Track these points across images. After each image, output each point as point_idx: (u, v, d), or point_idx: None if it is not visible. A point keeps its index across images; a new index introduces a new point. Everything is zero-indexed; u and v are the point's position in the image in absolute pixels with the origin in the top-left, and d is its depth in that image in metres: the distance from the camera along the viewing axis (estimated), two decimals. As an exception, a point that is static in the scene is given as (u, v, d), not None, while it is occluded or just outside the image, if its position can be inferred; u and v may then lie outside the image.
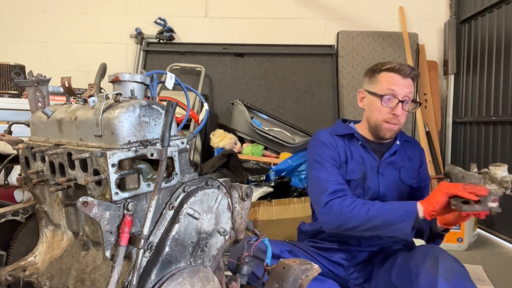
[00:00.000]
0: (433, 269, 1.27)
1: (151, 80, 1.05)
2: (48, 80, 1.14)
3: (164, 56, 3.80)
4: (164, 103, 0.89)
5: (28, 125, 1.13)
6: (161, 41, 3.84)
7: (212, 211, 0.93)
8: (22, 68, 2.37)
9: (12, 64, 2.34)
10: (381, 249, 1.59)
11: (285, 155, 3.10)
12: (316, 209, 1.50)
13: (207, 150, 3.42)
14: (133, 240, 0.81)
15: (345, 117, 3.72)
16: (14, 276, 1.02)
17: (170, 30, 3.84)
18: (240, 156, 3.06)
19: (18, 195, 2.42)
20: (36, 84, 1.12)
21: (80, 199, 0.76)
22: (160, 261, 0.85)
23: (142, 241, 0.79)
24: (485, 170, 1.28)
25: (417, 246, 1.44)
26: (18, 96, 2.36)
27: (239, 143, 3.23)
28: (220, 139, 3.16)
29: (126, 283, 0.80)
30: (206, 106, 1.22)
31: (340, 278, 1.58)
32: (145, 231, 0.79)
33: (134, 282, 0.77)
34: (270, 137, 3.13)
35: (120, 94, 0.88)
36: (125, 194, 0.81)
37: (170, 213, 0.88)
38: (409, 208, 1.33)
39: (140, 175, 0.83)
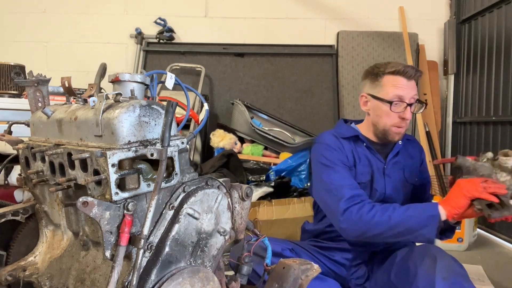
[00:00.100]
0: (431, 269, 1.27)
1: (151, 80, 1.05)
2: (48, 80, 1.14)
3: (164, 56, 3.80)
4: (164, 103, 0.89)
5: (28, 125, 1.13)
6: (161, 41, 3.84)
7: (212, 211, 0.93)
8: (22, 68, 2.37)
9: (12, 64, 2.34)
10: (382, 249, 1.59)
11: (285, 155, 3.10)
12: (332, 216, 1.46)
13: (207, 150, 3.42)
14: (133, 240, 0.81)
15: (345, 117, 3.72)
16: (14, 276, 1.02)
17: (170, 30, 3.84)
18: (240, 156, 3.05)
19: (18, 195, 2.42)
20: (36, 84, 1.12)
21: (80, 199, 0.76)
22: (160, 261, 0.85)
23: (142, 241, 0.79)
24: (496, 157, 1.29)
25: (416, 246, 1.44)
26: (18, 96, 2.36)
27: (239, 143, 3.23)
28: (220, 139, 3.16)
29: (126, 283, 0.80)
30: (206, 106, 1.22)
31: (341, 278, 1.58)
32: (145, 231, 0.79)
33: (134, 282, 0.77)
34: (270, 137, 3.13)
35: (120, 94, 0.88)
36: (125, 194, 0.81)
37: (170, 213, 0.88)
38: (432, 213, 1.32)
39: (140, 175, 0.83)
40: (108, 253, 0.81)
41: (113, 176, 0.79)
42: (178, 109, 2.59)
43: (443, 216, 1.31)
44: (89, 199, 0.77)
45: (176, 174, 0.89)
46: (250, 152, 3.18)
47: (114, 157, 0.79)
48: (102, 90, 1.10)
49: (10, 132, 1.19)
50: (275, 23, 3.92)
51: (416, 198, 1.68)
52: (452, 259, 1.32)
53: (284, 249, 1.50)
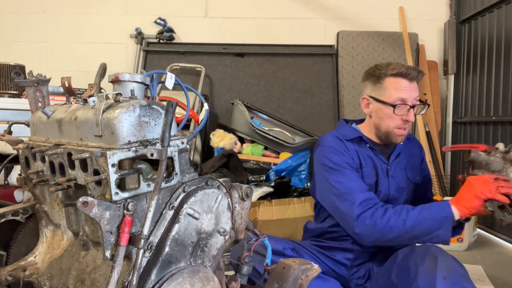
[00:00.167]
0: (432, 269, 1.27)
1: (151, 80, 1.05)
2: (48, 80, 1.14)
3: (164, 56, 3.80)
4: (164, 103, 0.89)
5: (28, 125, 1.13)
6: (161, 41, 3.84)
7: (212, 211, 0.93)
8: (22, 68, 2.37)
9: (12, 64, 2.34)
10: (382, 249, 1.59)
11: (285, 155, 3.10)
12: (345, 221, 1.46)
13: (207, 150, 3.42)
14: (133, 240, 0.80)
15: (345, 117, 3.72)
16: (14, 276, 1.02)
17: (170, 30, 3.84)
18: (240, 156, 3.06)
19: (18, 195, 2.42)
20: (36, 84, 1.12)
21: (80, 199, 0.76)
22: (160, 261, 0.85)
23: (142, 241, 0.79)
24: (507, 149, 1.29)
25: (417, 246, 1.44)
26: (18, 96, 2.36)
27: (239, 143, 3.23)
28: (220, 139, 3.16)
29: (126, 283, 0.80)
30: (206, 106, 1.22)
31: (342, 278, 1.58)
32: (145, 231, 0.79)
33: (134, 282, 0.77)
34: (270, 137, 3.13)
35: (120, 94, 0.88)
36: (125, 194, 0.81)
37: (170, 213, 0.88)
38: (446, 214, 1.33)
39: (140, 175, 0.83)
40: (108, 253, 0.81)
41: (113, 176, 0.79)
42: (178, 109, 2.59)
43: (456, 216, 1.33)
44: (89, 199, 0.77)
45: (176, 174, 0.89)
46: (250, 152, 3.18)
47: (114, 157, 0.79)
48: (102, 90, 1.10)
49: (10, 132, 1.19)
50: (275, 23, 3.92)
51: (418, 196, 1.69)
52: (453, 259, 1.32)
53: (285, 248, 1.50)
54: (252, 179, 2.85)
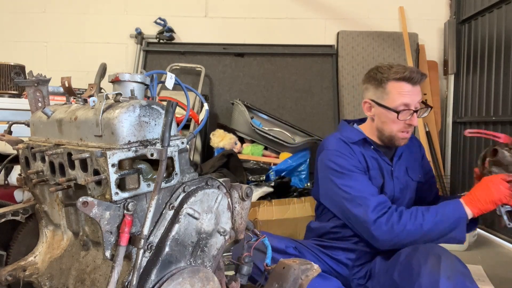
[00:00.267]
0: (436, 268, 1.27)
1: (151, 80, 1.05)
2: (48, 80, 1.14)
3: (164, 56, 3.80)
4: (164, 103, 0.89)
5: (28, 125, 1.13)
6: (161, 41, 3.84)
7: (212, 211, 0.93)
8: (22, 68, 2.37)
9: (12, 64, 2.34)
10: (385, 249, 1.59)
11: (285, 155, 3.10)
12: (361, 226, 1.46)
13: (207, 150, 3.42)
14: (133, 240, 0.80)
15: (345, 117, 3.72)
16: (14, 276, 1.02)
17: (170, 30, 3.84)
18: (240, 156, 3.06)
19: (18, 195, 2.42)
20: (36, 84, 1.12)
21: (80, 199, 0.76)
22: (160, 261, 0.85)
23: (142, 241, 0.79)
24: None
25: (420, 245, 1.44)
26: (18, 96, 2.36)
27: (239, 143, 3.23)
28: (220, 139, 3.16)
29: (126, 283, 0.80)
30: (206, 106, 1.22)
31: (343, 277, 1.58)
32: (145, 231, 0.79)
33: (134, 282, 0.77)
34: (270, 137, 3.13)
35: (120, 94, 0.88)
36: (125, 194, 0.81)
37: (170, 213, 0.88)
38: (460, 215, 1.35)
39: (140, 175, 0.83)
40: (108, 253, 0.80)
41: (113, 176, 0.79)
42: (178, 109, 2.59)
43: (470, 216, 1.35)
44: (89, 199, 0.77)
45: (176, 174, 0.89)
46: (250, 152, 3.18)
47: (114, 157, 0.79)
48: (102, 90, 1.10)
49: (10, 132, 1.19)
50: (275, 23, 3.92)
51: (424, 193, 1.71)
52: (456, 259, 1.32)
53: (288, 246, 1.50)
54: (252, 179, 2.85)
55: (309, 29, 3.90)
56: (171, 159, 0.88)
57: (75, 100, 1.04)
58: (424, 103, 1.55)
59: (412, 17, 3.86)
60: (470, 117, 3.50)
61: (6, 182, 2.47)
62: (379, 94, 1.53)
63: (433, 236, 1.38)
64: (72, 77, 1.13)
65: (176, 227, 0.87)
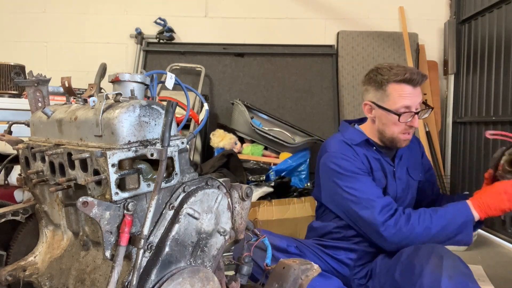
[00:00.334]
0: (437, 268, 1.27)
1: (151, 80, 1.05)
2: (48, 80, 1.14)
3: (164, 56, 3.80)
4: (164, 103, 0.89)
5: (28, 125, 1.13)
6: (161, 41, 3.84)
7: (212, 211, 0.93)
8: (22, 68, 2.37)
9: (12, 64, 2.34)
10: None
11: (285, 155, 3.10)
12: (369, 229, 1.46)
13: (207, 150, 3.42)
14: (133, 240, 0.80)
15: (345, 117, 3.71)
16: (14, 276, 1.02)
17: (170, 30, 3.84)
18: (240, 156, 3.06)
19: (18, 195, 2.42)
20: (36, 84, 1.12)
21: (80, 199, 0.76)
22: (160, 261, 0.85)
23: (142, 241, 0.79)
24: None
25: (422, 245, 1.45)
26: (18, 96, 2.36)
27: (239, 143, 3.23)
28: (220, 139, 3.16)
29: (126, 283, 0.80)
30: (206, 106, 1.22)
31: (344, 277, 1.58)
32: (145, 231, 0.79)
33: (134, 282, 0.77)
34: (270, 137, 3.13)
35: (120, 94, 0.88)
36: (125, 194, 0.81)
37: (170, 213, 0.88)
38: (466, 219, 1.36)
39: (140, 175, 0.83)
40: (108, 253, 0.81)
41: (113, 176, 0.79)
42: (178, 109, 2.59)
43: (476, 219, 1.36)
44: (89, 199, 0.77)
45: (176, 174, 0.89)
46: (250, 152, 3.18)
47: (114, 157, 0.79)
48: (102, 90, 1.10)
49: (10, 132, 1.19)
50: (275, 23, 3.91)
51: (425, 192, 1.72)
52: (458, 259, 1.32)
53: (289, 245, 1.50)
54: (252, 179, 2.85)
55: (309, 29, 3.90)
56: (171, 159, 0.88)
57: (75, 100, 1.04)
58: (425, 104, 1.54)
59: (412, 17, 3.86)
60: (470, 117, 3.50)
61: (6, 182, 2.47)
62: (379, 96, 1.53)
63: (440, 239, 1.39)
64: (72, 77, 1.13)
65: (176, 227, 0.87)
